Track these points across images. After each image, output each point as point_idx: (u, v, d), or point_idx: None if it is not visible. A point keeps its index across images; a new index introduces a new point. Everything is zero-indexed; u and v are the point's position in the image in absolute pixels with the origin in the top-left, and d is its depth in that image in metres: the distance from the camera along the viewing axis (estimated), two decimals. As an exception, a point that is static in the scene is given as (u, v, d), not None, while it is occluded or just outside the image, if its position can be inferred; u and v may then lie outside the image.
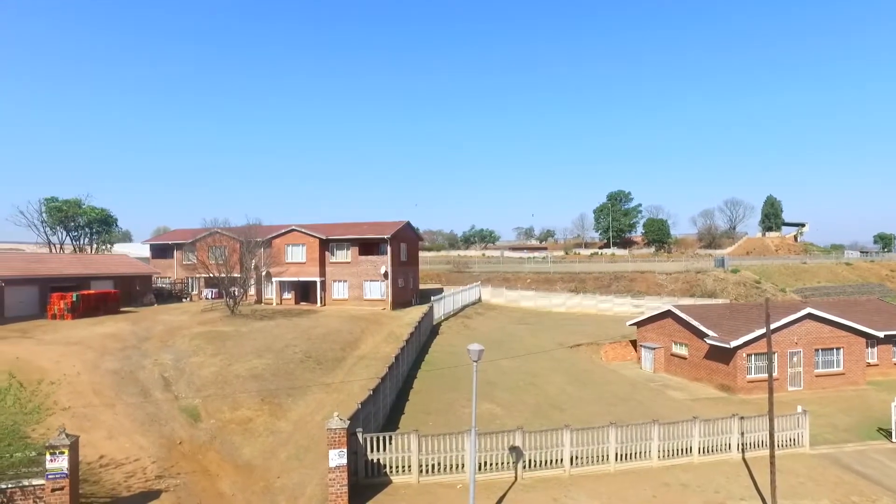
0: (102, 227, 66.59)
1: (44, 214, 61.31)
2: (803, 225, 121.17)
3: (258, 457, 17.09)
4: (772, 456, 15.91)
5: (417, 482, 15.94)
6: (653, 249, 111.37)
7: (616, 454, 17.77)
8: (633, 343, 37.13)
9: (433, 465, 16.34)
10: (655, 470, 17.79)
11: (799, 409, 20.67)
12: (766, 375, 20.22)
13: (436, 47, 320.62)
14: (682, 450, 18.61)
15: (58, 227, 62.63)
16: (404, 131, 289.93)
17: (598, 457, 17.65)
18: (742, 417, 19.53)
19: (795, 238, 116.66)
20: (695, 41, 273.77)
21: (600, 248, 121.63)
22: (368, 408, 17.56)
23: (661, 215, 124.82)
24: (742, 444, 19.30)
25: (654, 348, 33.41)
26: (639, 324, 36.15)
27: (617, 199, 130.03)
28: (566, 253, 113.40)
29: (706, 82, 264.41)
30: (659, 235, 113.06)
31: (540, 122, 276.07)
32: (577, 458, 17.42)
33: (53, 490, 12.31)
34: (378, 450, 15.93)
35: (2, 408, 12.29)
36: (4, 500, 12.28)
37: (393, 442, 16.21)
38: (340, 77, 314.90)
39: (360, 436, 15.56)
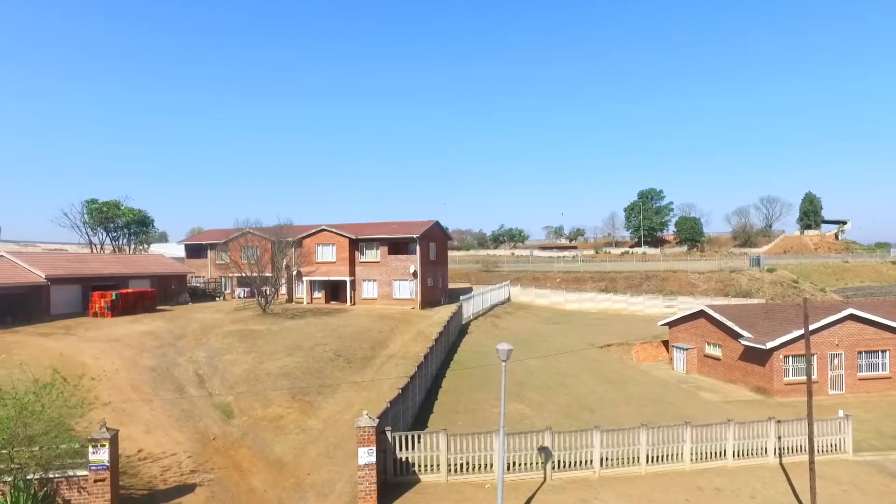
0: (140, 227, 68.59)
1: (85, 216, 63.48)
2: (845, 222, 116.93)
3: (289, 453, 17.36)
4: (811, 462, 15.40)
5: (446, 481, 15.98)
6: (685, 248, 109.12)
7: (647, 456, 17.48)
8: (665, 343, 36.48)
9: (462, 465, 16.35)
10: (688, 473, 17.44)
11: (841, 413, 19.98)
12: (804, 378, 19.69)
13: (464, 41, 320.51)
14: (715, 453, 18.18)
15: (98, 228, 64.75)
16: (433, 130, 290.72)
17: (628, 458, 17.40)
18: (779, 421, 18.98)
19: (836, 236, 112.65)
20: (728, 26, 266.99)
21: (631, 247, 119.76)
22: (397, 406, 17.67)
23: (694, 213, 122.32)
24: (779, 449, 18.76)
25: (687, 349, 32.76)
26: (671, 324, 35.49)
27: (648, 198, 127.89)
28: (596, 252, 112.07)
29: (740, 73, 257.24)
30: (691, 234, 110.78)
31: (569, 119, 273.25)
32: (607, 459, 17.21)
33: (96, 481, 12.77)
34: (407, 448, 16.02)
35: (48, 401, 12.77)
36: (52, 489, 12.79)
37: (422, 441, 16.28)
38: (369, 74, 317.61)
39: (388, 434, 15.66)
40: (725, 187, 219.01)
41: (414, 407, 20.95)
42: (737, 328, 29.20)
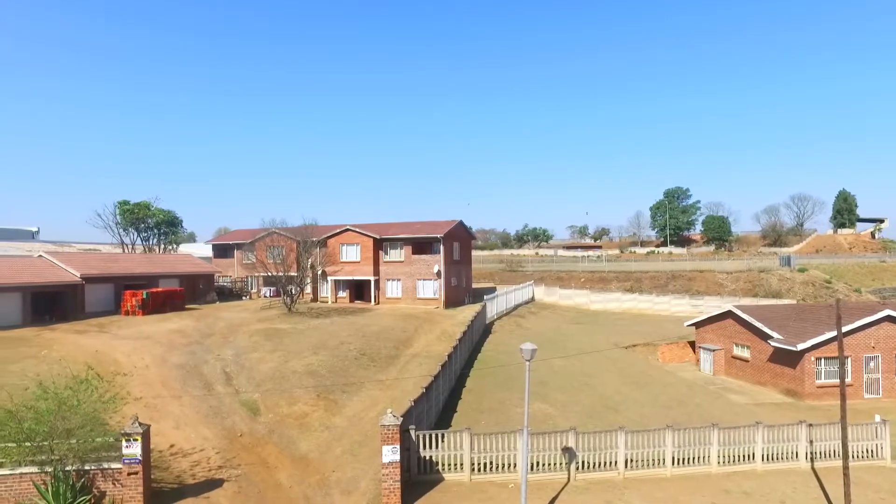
0: (169, 228, 70.20)
1: (117, 217, 65.24)
2: (882, 221, 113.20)
3: (314, 451, 17.61)
4: (845, 467, 14.98)
5: (469, 480, 16.03)
6: (712, 248, 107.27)
7: (673, 458, 17.27)
8: (692, 344, 35.94)
9: (485, 464, 16.39)
10: (714, 476, 17.19)
11: (877, 418, 19.42)
12: (837, 381, 19.18)
13: (488, 40, 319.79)
14: (743, 456, 17.86)
15: (130, 229, 66.49)
16: (458, 129, 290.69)
17: (653, 460, 17.22)
18: (811, 424, 18.55)
19: (873, 235, 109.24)
20: (755, 20, 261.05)
21: (657, 246, 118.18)
22: (421, 405, 17.78)
23: (722, 212, 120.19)
24: (811, 453, 18.34)
25: (714, 350, 32.23)
26: (697, 324, 34.95)
27: (674, 196, 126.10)
28: (621, 251, 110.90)
29: (769, 68, 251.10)
30: (719, 233, 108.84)
31: (593, 117, 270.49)
32: (631, 460, 17.07)
33: (129, 474, 13.20)
34: (431, 447, 16.12)
35: (84, 396, 13.23)
36: (88, 480, 13.25)
37: (445, 439, 16.36)
38: (393, 73, 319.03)
39: (412, 433, 15.78)
40: (754, 185, 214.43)
41: (438, 406, 21.06)
42: (766, 329, 28.62)
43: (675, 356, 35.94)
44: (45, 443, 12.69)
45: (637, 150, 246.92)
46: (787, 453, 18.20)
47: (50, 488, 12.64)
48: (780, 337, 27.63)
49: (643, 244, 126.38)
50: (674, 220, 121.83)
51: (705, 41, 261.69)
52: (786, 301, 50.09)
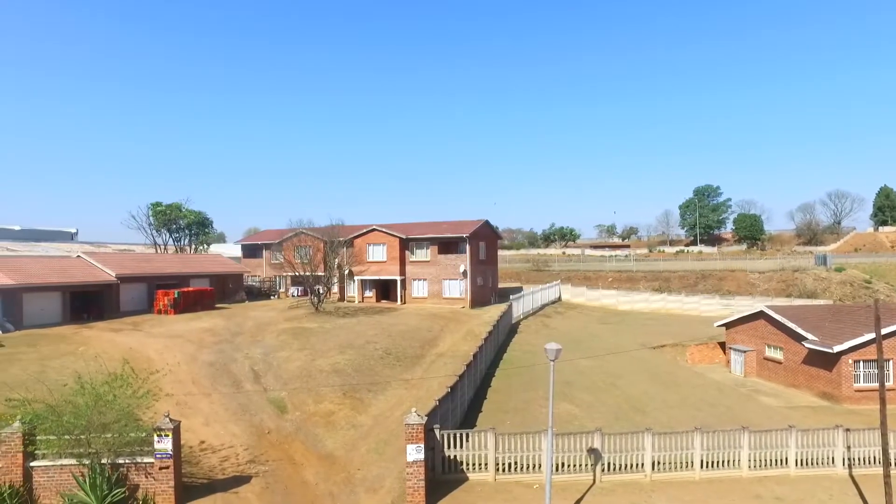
0: (200, 228, 71.82)
1: (150, 218, 67.03)
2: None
3: (340, 448, 17.82)
4: (886, 475, 14.42)
5: (494, 480, 16.03)
6: (744, 247, 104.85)
7: (701, 461, 16.96)
8: (722, 345, 35.20)
9: (510, 464, 16.37)
10: (745, 480, 16.81)
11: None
12: (877, 384, 18.55)
13: (508, 37, 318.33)
14: (775, 460, 17.41)
15: (162, 230, 68.26)
16: (484, 128, 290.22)
17: (681, 463, 16.94)
18: (848, 429, 17.94)
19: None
20: (787, 12, 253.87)
21: (686, 245, 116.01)
22: (446, 405, 17.84)
23: (754, 210, 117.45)
24: (848, 459, 17.75)
25: (745, 351, 31.51)
26: (728, 325, 34.22)
27: (704, 195, 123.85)
28: (650, 251, 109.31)
29: (803, 60, 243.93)
30: (751, 232, 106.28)
31: (621, 114, 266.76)
32: (659, 463, 16.82)
33: (161, 468, 13.59)
34: (455, 446, 16.16)
35: (119, 392, 13.67)
36: (123, 473, 13.69)
37: (470, 439, 16.39)
38: (417, 73, 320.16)
39: (437, 432, 15.85)
40: (789, 182, 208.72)
41: (463, 405, 21.10)
42: (800, 330, 27.86)
43: (705, 357, 35.27)
44: (83, 436, 13.19)
45: (666, 147, 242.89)
46: (823, 459, 17.66)
47: (87, 480, 13.09)
48: (816, 338, 26.86)
49: (672, 243, 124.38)
50: (704, 218, 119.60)
51: (737, 34, 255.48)
52: (821, 301, 48.61)
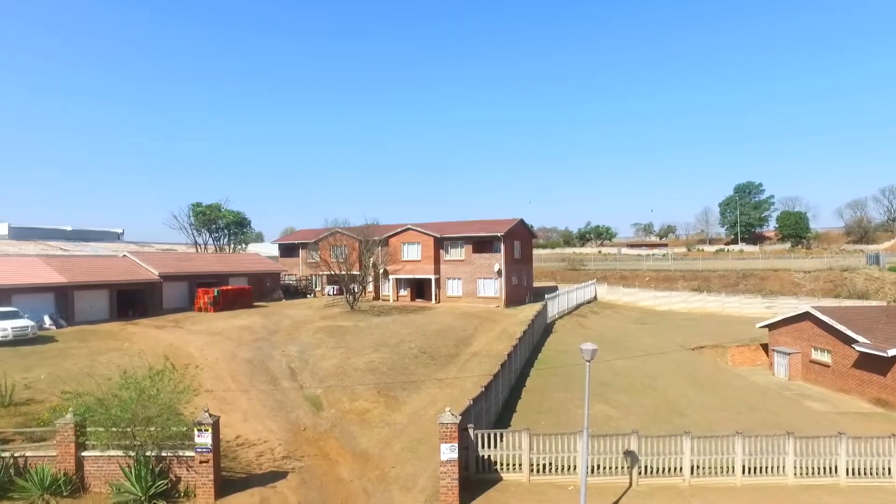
0: (238, 228, 73.64)
1: (191, 218, 69.04)
2: None
3: (374, 446, 17.97)
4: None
5: (528, 481, 15.90)
6: (788, 245, 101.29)
7: (743, 466, 16.41)
8: (764, 347, 34.09)
9: (544, 465, 16.20)
10: (791, 488, 16.18)
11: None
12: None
13: (546, 29, 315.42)
14: (824, 469, 16.62)
15: (202, 230, 70.24)
16: (518, 126, 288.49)
17: (722, 468, 16.41)
18: (904, 438, 17.04)
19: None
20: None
21: (726, 244, 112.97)
22: (480, 404, 17.78)
23: (799, 208, 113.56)
24: (904, 469, 16.83)
25: (789, 353, 30.42)
26: (771, 326, 33.08)
27: (745, 192, 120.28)
28: (688, 250, 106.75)
29: (852, 47, 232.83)
30: (795, 230, 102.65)
31: (658, 108, 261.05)
32: (698, 467, 16.36)
33: (201, 462, 13.95)
34: (489, 446, 16.09)
35: (161, 387, 14.12)
36: (165, 465, 14.14)
37: (504, 439, 16.29)
38: (448, 68, 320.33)
39: (471, 431, 15.81)
40: (838, 178, 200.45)
41: (497, 405, 21.00)
42: (850, 332, 26.71)
43: (747, 359, 34.22)
44: (129, 429, 13.67)
45: (705, 143, 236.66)
46: (878, 469, 16.75)
47: (132, 471, 13.57)
48: (868, 341, 25.72)
49: (712, 242, 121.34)
50: (745, 216, 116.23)
51: (781, 17, 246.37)
52: (874, 303, 46.51)
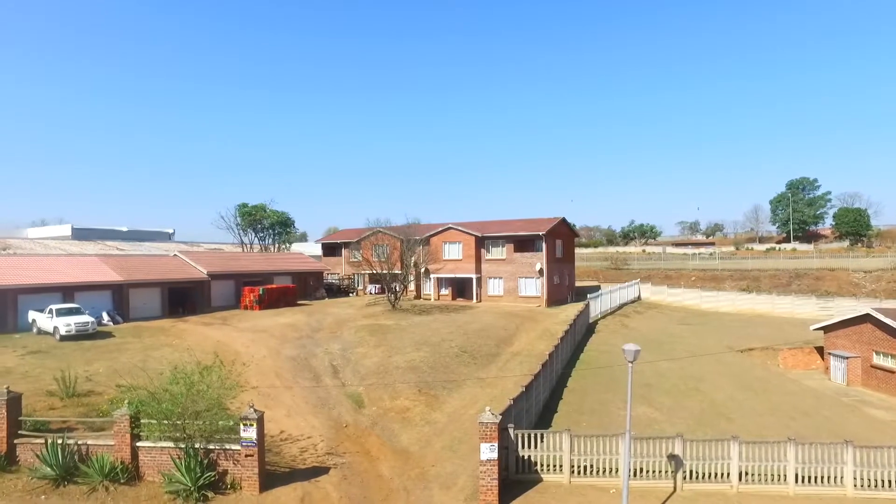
0: (283, 228, 75.39)
1: (237, 218, 71.11)
2: None
3: (414, 444, 18.11)
4: None
5: (569, 482, 15.72)
6: (846, 244, 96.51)
7: (796, 475, 15.74)
8: (819, 350, 32.60)
9: (585, 467, 15.98)
10: (850, 500, 15.36)
11: None
12: None
13: (592, 23, 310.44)
14: (889, 481, 15.70)
15: (248, 230, 72.25)
16: (560, 123, 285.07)
17: (773, 475, 15.79)
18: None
19: None
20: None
21: (778, 242, 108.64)
22: (521, 404, 17.69)
23: (858, 204, 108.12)
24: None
25: (848, 357, 28.98)
26: (826, 328, 31.58)
27: (799, 188, 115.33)
28: (737, 248, 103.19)
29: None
30: (855, 227, 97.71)
31: (703, 101, 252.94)
32: (746, 473, 15.80)
33: (246, 456, 14.38)
34: (529, 446, 15.99)
35: (209, 382, 14.64)
36: (213, 458, 14.64)
37: (544, 440, 16.16)
38: (492, 67, 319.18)
39: (511, 431, 15.75)
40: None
41: (538, 405, 20.84)
42: (913, 336, 25.28)
43: (800, 363, 32.79)
44: (178, 422, 14.22)
45: (755, 137, 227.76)
46: (947, 481, 15.77)
47: (183, 462, 14.12)
48: (931, 345, 24.30)
49: (762, 240, 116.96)
50: (798, 213, 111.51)
51: (836, 6, 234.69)
52: (941, 305, 43.89)
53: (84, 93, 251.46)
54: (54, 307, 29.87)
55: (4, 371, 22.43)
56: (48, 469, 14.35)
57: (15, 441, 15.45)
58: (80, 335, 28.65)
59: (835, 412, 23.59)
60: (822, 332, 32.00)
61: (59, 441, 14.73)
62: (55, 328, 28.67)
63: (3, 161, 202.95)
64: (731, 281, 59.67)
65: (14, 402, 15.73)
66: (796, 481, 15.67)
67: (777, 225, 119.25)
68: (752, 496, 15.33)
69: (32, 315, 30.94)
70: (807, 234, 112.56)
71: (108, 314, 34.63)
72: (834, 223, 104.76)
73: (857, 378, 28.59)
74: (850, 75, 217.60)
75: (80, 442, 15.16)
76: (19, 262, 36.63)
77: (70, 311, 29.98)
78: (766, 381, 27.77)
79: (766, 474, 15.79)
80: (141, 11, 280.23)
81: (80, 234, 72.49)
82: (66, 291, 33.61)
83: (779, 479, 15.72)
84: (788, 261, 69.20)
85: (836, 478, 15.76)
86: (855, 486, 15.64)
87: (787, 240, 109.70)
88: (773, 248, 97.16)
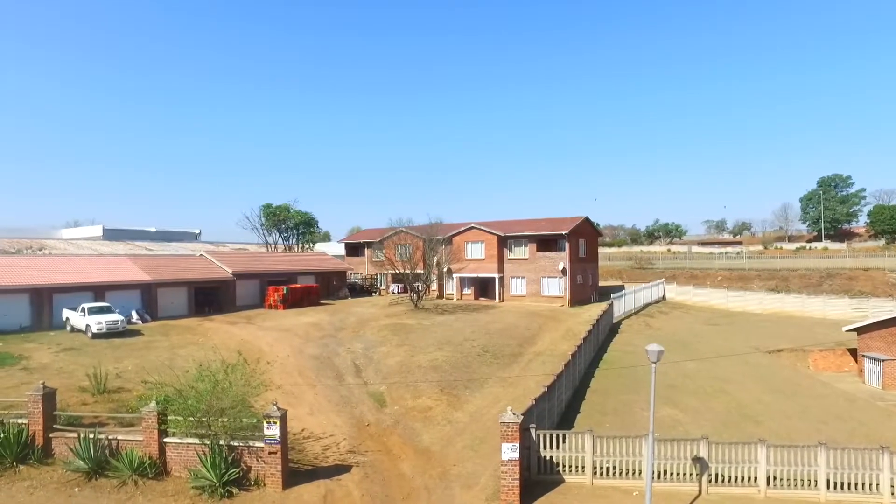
0: (306, 228, 76.20)
1: (262, 218, 72.10)
2: None
3: (436, 443, 18.14)
4: None
5: (591, 484, 15.58)
6: (881, 242, 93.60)
7: (828, 481, 15.29)
8: (853, 352, 31.70)
9: (608, 468, 15.81)
10: (885, 507, 14.93)
11: None
12: None
13: (602, 18, 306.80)
14: (924, 487, 15.19)
15: (272, 230, 73.19)
16: (583, 121, 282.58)
17: (803, 480, 15.36)
18: None
19: None
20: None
21: (808, 241, 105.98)
22: (543, 404, 17.59)
23: (895, 201, 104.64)
24: None
25: (883, 360, 28.13)
26: (860, 329, 30.67)
27: (831, 185, 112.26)
28: (765, 247, 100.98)
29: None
30: (891, 225, 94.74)
31: (729, 97, 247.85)
32: (775, 478, 15.43)
33: (269, 453, 14.60)
34: (551, 447, 15.89)
35: (234, 380, 14.90)
36: (237, 455, 14.90)
37: (566, 440, 16.04)
38: (510, 64, 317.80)
39: (533, 432, 15.67)
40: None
41: (560, 406, 20.70)
42: (951, 338, 24.44)
43: (831, 365, 31.95)
44: (204, 419, 14.51)
45: (784, 133, 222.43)
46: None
47: (208, 459, 14.39)
48: (971, 347, 23.45)
49: (791, 239, 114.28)
50: (830, 211, 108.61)
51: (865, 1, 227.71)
52: (981, 305, 42.28)
53: (113, 96, 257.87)
54: (86, 306, 30.76)
55: (41, 367, 23.21)
56: (81, 462, 14.82)
57: (50, 435, 15.99)
58: (111, 333, 29.45)
59: (869, 416, 22.91)
60: (854, 333, 31.11)
61: (91, 435, 15.19)
62: (87, 326, 29.52)
63: (39, 163, 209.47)
64: (758, 281, 58.40)
65: (49, 397, 16.26)
66: (828, 488, 15.22)
67: (808, 223, 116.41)
68: (780, 501, 14.96)
69: (66, 313, 31.92)
70: (839, 233, 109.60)
71: (137, 313, 35.49)
72: (869, 221, 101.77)
73: (893, 382, 27.73)
74: (886, 70, 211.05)
75: (110, 437, 15.62)
76: (54, 263, 37.76)
77: (101, 310, 30.81)
78: (795, 384, 27.12)
79: (795, 479, 15.38)
80: (166, 13, 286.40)
81: (111, 235, 74.34)
82: (98, 290, 34.56)
83: (809, 485, 15.29)
84: (819, 260, 67.42)
85: (871, 485, 15.25)
86: (893, 493, 15.10)
87: (817, 238, 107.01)
88: (804, 247, 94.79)
